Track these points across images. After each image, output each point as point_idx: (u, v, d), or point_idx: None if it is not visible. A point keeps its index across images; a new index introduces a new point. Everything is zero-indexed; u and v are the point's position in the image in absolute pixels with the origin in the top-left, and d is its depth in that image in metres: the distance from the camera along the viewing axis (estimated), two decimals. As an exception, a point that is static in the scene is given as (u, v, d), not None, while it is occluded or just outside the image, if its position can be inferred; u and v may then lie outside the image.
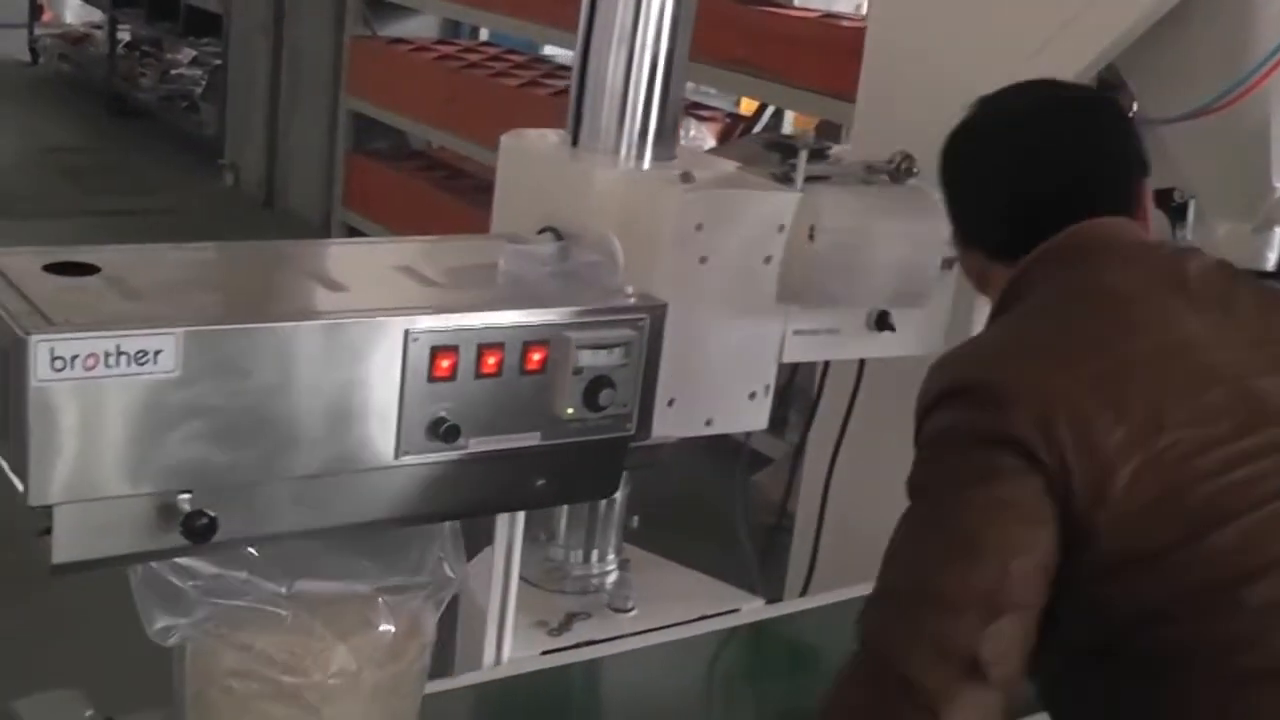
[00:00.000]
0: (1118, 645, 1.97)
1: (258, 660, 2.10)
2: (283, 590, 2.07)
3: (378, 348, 2.02)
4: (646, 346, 2.24)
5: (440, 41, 9.56)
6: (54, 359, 1.81)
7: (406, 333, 2.03)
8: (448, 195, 8.69)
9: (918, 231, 2.87)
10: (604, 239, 2.37)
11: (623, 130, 2.80)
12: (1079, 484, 1.91)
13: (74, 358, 1.82)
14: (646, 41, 2.78)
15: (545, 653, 2.94)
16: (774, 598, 3.44)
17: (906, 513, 2.05)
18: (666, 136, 2.87)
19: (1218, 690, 1.90)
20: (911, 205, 2.90)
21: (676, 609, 3.14)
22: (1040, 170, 2.27)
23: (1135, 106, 3.33)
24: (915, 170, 2.95)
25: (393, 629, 2.16)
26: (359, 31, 9.51)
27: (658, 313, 2.26)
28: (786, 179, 2.79)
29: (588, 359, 2.16)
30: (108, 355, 1.83)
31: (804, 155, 2.78)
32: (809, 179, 2.79)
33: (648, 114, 2.80)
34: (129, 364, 1.85)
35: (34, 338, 1.80)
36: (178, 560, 2.02)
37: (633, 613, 3.12)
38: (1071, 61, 3.13)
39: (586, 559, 3.15)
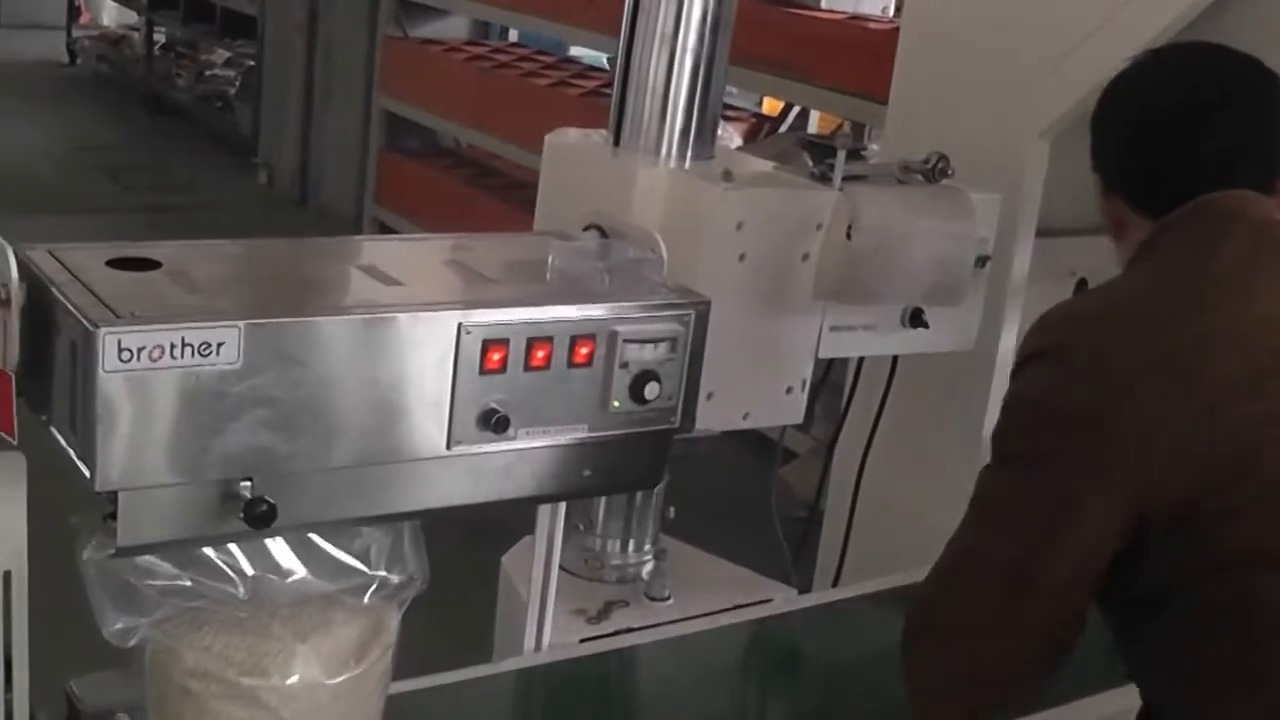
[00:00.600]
0: (1190, 592, 2.02)
1: (216, 661, 2.08)
2: (241, 591, 2.05)
3: (432, 340, 2.04)
4: (691, 341, 2.26)
5: (470, 42, 9.60)
6: (121, 350, 1.83)
7: (460, 326, 2.04)
8: (478, 192, 8.72)
9: (953, 230, 2.89)
10: (648, 236, 2.39)
11: (664, 130, 2.82)
12: (1156, 452, 1.96)
13: (140, 349, 1.84)
14: (688, 43, 2.80)
15: (584, 640, 2.97)
16: (803, 589, 3.46)
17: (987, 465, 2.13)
18: (706, 136, 2.89)
19: None
20: (947, 204, 2.92)
21: (711, 598, 3.17)
22: (1208, 131, 2.25)
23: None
24: (950, 170, 2.97)
25: (354, 630, 2.14)
26: (391, 32, 9.56)
27: (702, 308, 2.27)
28: (824, 178, 2.81)
29: (634, 353, 2.18)
30: (172, 347, 1.86)
31: (842, 155, 2.80)
32: (846, 178, 2.81)
33: (688, 114, 2.83)
34: (192, 355, 1.87)
35: (102, 330, 1.82)
36: (135, 561, 2.00)
37: (669, 601, 3.14)
38: (1105, 63, 3.14)
39: (624, 549, 3.18)
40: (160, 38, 14.54)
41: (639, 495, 3.12)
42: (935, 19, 3.55)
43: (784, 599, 3.23)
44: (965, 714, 2.13)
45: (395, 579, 2.17)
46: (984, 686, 2.07)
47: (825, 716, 2.90)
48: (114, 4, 16.39)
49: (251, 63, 12.04)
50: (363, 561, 2.15)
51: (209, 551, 2.04)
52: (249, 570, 2.05)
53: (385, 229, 9.30)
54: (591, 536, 3.18)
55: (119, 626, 2.04)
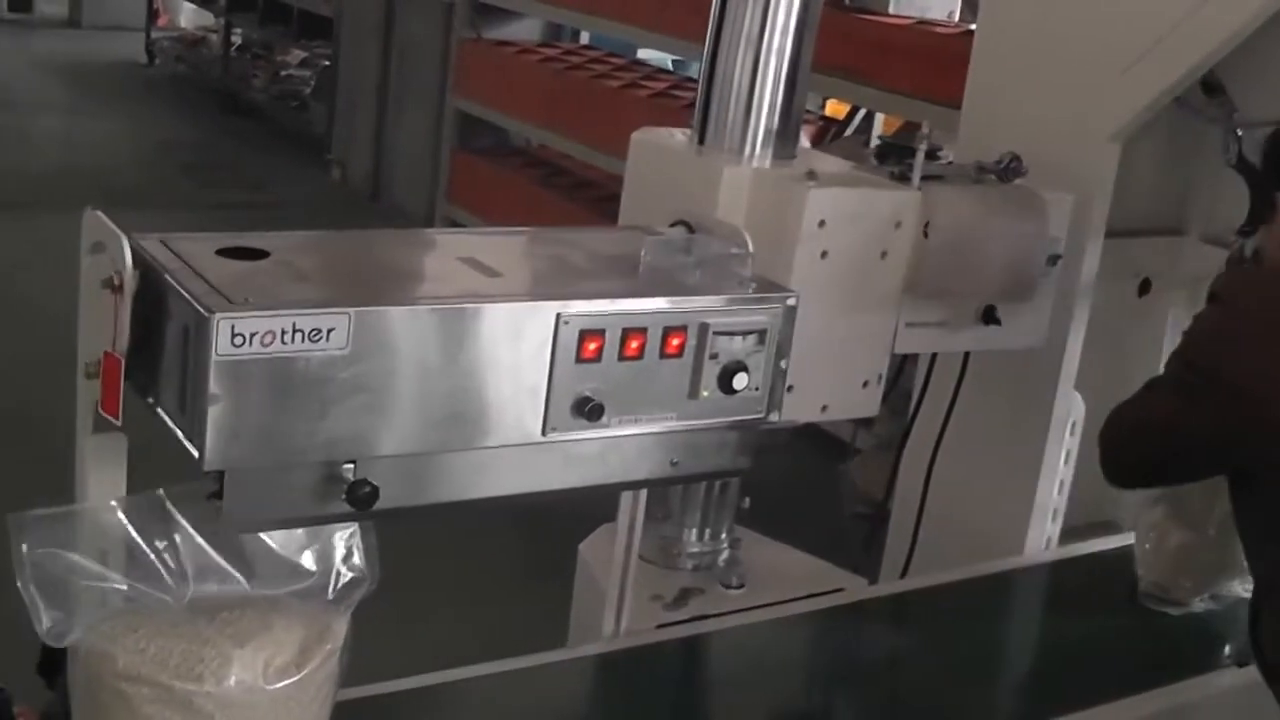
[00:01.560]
0: None
1: (150, 664, 1.97)
2: (178, 594, 1.98)
3: (532, 330, 2.06)
4: (778, 334, 2.27)
5: (543, 44, 9.62)
6: (234, 336, 1.86)
7: (558, 316, 2.06)
8: (548, 191, 8.76)
9: (1026, 230, 2.91)
10: (734, 232, 2.40)
11: (748, 129, 2.84)
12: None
13: (252, 335, 1.87)
14: (773, 45, 2.82)
15: (661, 626, 2.98)
16: (871, 581, 3.47)
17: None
18: (789, 136, 2.91)
19: None
20: (1020, 204, 2.93)
21: (784, 587, 3.18)
22: None
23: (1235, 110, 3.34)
24: (1023, 171, 2.97)
25: (296, 635, 2.04)
26: (466, 34, 9.60)
27: (789, 302, 2.29)
28: (904, 178, 2.82)
29: (724, 345, 2.20)
30: (283, 333, 1.88)
31: (921, 154, 2.81)
32: (924, 178, 2.82)
33: (772, 114, 2.85)
34: (302, 341, 1.90)
35: (217, 316, 1.85)
36: (71, 559, 1.96)
37: (743, 589, 3.16)
38: (1175, 67, 3.14)
39: (700, 537, 3.20)
40: (237, 39, 14.67)
41: (715, 485, 3.14)
42: (1009, 23, 3.54)
43: (855, 589, 3.24)
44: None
45: (344, 579, 2.09)
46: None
47: (895, 704, 2.91)
48: (191, 6, 16.53)
49: (326, 63, 12.13)
50: (312, 562, 2.07)
51: (148, 551, 1.98)
52: (189, 572, 1.99)
53: (456, 227, 9.34)
54: (669, 525, 3.20)
55: (51, 626, 1.96)
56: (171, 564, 1.99)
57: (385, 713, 2.57)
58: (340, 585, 2.08)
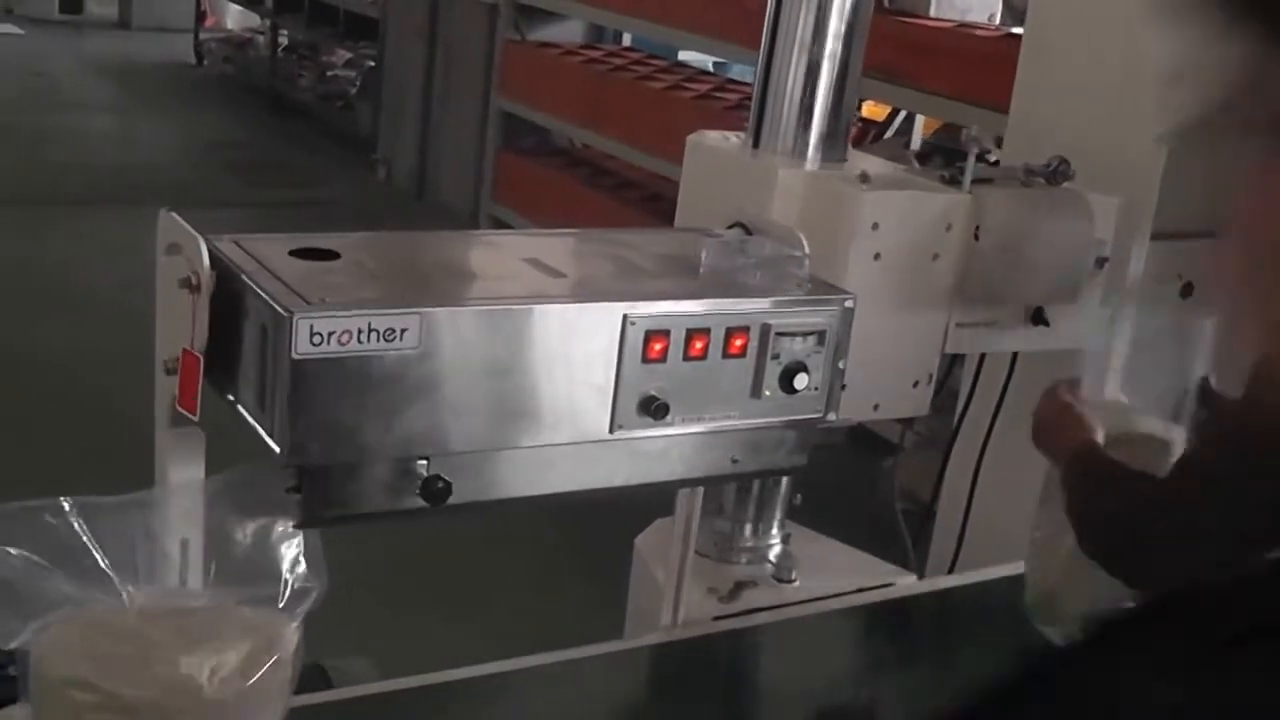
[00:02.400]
0: None
1: (98, 670, 1.87)
2: (126, 598, 1.92)
3: (599, 330, 2.09)
4: (836, 335, 2.29)
5: (586, 46, 9.66)
6: (313, 335, 1.89)
7: (625, 317, 2.09)
8: (593, 191, 8.79)
9: (1075, 231, 2.92)
10: (791, 234, 2.42)
11: (801, 133, 2.86)
12: None
13: (330, 334, 1.90)
14: (825, 50, 2.85)
15: (716, 618, 3.00)
16: (920, 577, 3.48)
17: None
18: (839, 139, 2.93)
19: None
20: (1069, 207, 2.94)
21: (835, 581, 3.19)
22: None
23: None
24: (1071, 173, 2.99)
25: (245, 643, 1.95)
26: (509, 35, 9.64)
27: (847, 303, 2.31)
28: (954, 180, 2.84)
29: (785, 345, 2.22)
30: (360, 332, 1.92)
31: (972, 158, 2.83)
32: (974, 180, 2.84)
33: (825, 118, 2.87)
34: (377, 340, 1.93)
35: (296, 315, 1.88)
36: (21, 560, 1.87)
37: (795, 583, 3.17)
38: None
39: (754, 532, 3.22)
40: (284, 40, 14.73)
41: (769, 481, 3.16)
42: (1057, 26, 3.56)
43: (905, 584, 3.25)
44: None
45: (291, 590, 2.00)
46: None
47: (943, 697, 2.92)
48: (238, 7, 16.61)
49: (372, 63, 12.17)
50: (257, 571, 1.99)
51: (97, 555, 1.91)
52: (140, 575, 1.94)
53: (501, 226, 9.38)
54: (723, 520, 3.22)
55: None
56: (123, 565, 1.93)
57: (443, 702, 2.60)
58: (290, 594, 1.99)
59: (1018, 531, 3.48)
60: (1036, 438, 2.59)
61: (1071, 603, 2.69)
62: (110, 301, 7.55)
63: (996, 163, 3.29)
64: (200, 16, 16.79)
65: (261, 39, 15.35)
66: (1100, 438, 2.46)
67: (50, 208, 9.81)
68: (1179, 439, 2.56)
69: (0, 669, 2.25)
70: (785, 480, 3.18)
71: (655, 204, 7.99)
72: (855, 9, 2.85)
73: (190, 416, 2.14)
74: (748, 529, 3.22)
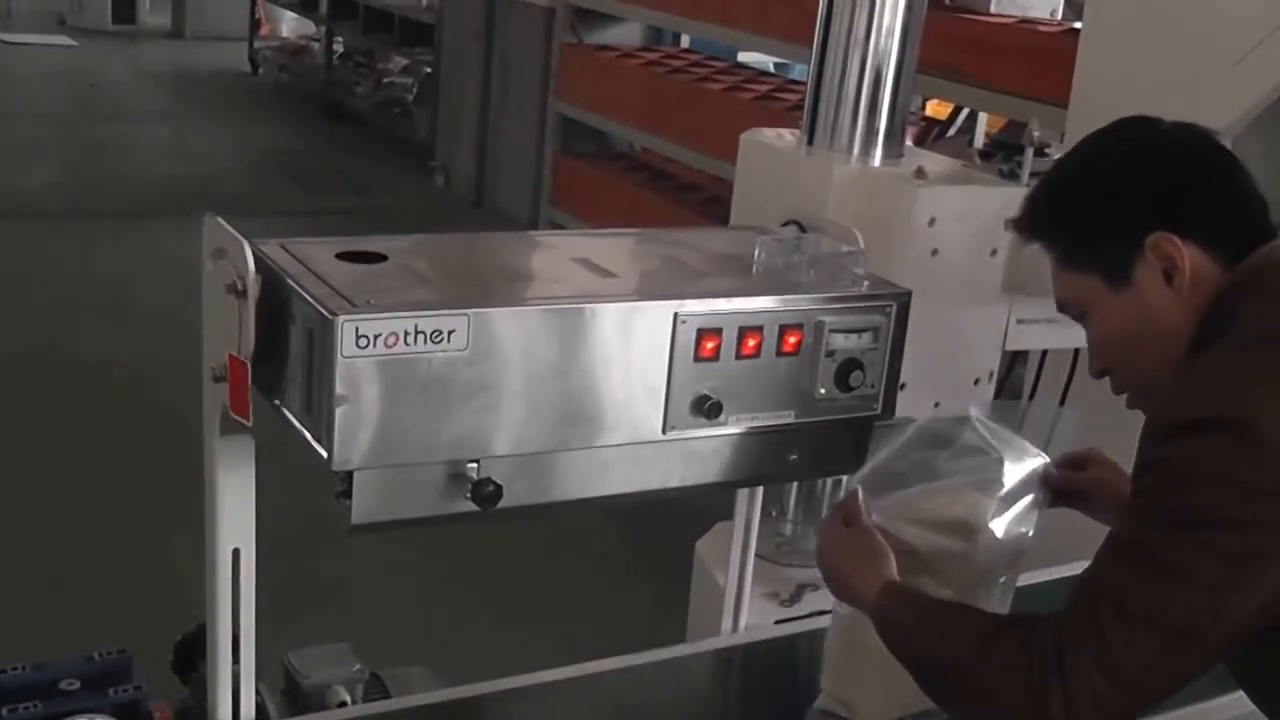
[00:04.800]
0: None
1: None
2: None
3: (650, 329, 2.09)
4: (893, 331, 2.29)
5: (644, 48, 9.66)
6: (359, 337, 1.90)
7: (676, 315, 2.09)
8: (652, 194, 8.78)
9: (1137, 226, 2.89)
10: (846, 231, 2.42)
11: (856, 130, 2.86)
12: None
13: (376, 336, 1.91)
14: (879, 47, 2.84)
15: (778, 622, 3.00)
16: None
17: (1141, 531, 1.95)
18: (896, 136, 2.92)
19: None
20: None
21: (897, 582, 3.18)
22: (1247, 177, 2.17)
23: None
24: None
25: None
26: (567, 39, 9.66)
27: (903, 300, 2.30)
28: (1012, 175, 2.83)
29: (839, 342, 2.22)
30: (406, 334, 1.92)
31: (1030, 152, 2.82)
32: (1031, 175, 2.83)
33: (879, 114, 2.87)
34: (425, 343, 1.94)
35: (341, 318, 1.89)
36: None
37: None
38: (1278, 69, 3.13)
39: (816, 534, 3.21)
40: (339, 47, 14.81)
41: (828, 482, 3.15)
42: (1116, 19, 3.54)
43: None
44: None
45: None
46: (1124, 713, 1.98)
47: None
48: (293, 15, 16.71)
49: (429, 70, 12.23)
50: None
51: None
52: None
53: (558, 230, 9.41)
54: (783, 522, 3.22)
55: None
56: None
57: (506, 708, 2.62)
58: None
59: (1083, 530, 3.45)
60: (829, 585, 2.33)
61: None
62: (168, 311, 7.61)
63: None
64: (255, 25, 16.92)
65: (316, 46, 15.44)
66: (893, 568, 2.21)
67: (107, 219, 9.91)
68: (988, 513, 2.35)
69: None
70: (845, 480, 3.17)
71: (717, 207, 7.98)
72: (909, 5, 2.85)
73: (243, 422, 2.16)
74: (808, 531, 3.21)
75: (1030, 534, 2.37)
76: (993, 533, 2.29)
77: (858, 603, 2.22)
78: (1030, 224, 2.20)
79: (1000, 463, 2.34)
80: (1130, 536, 1.95)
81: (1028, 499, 2.36)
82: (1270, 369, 1.92)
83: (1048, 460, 2.43)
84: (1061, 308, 2.26)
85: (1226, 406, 1.89)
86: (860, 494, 2.27)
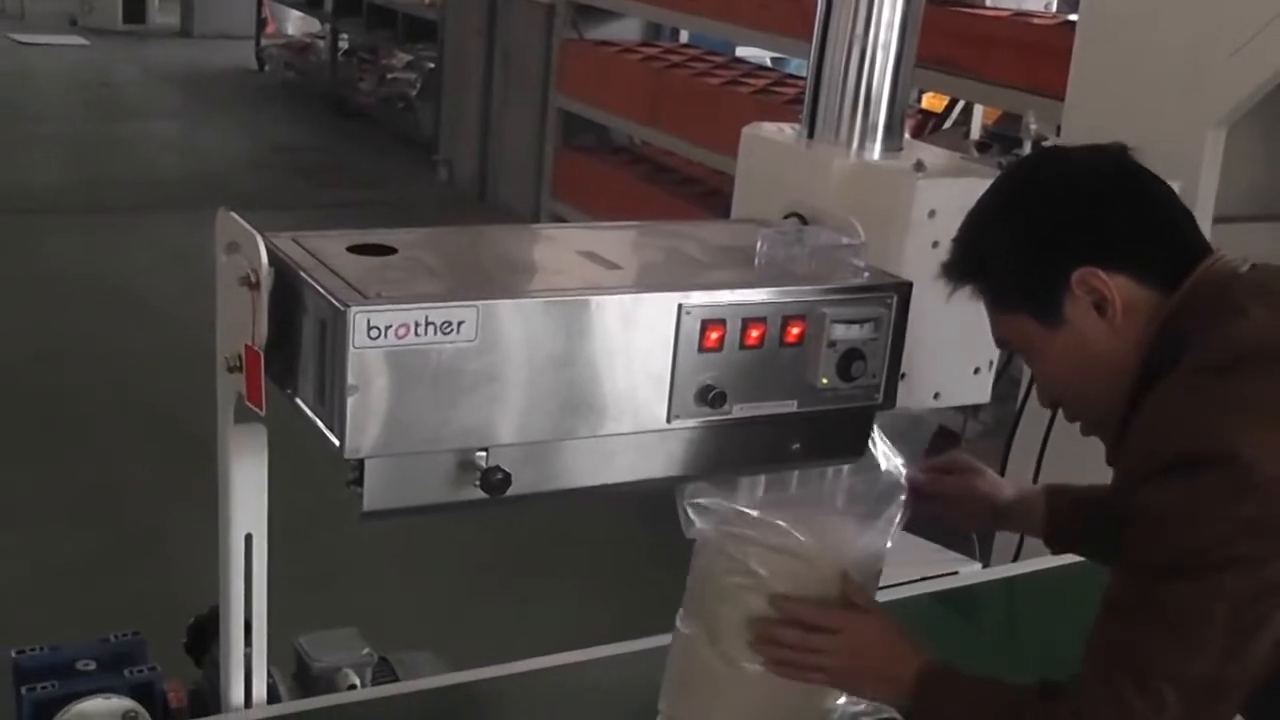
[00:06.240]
0: None
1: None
2: None
3: (655, 320, 2.08)
4: (894, 322, 2.28)
5: (643, 43, 9.67)
6: (370, 328, 1.90)
7: (680, 307, 2.09)
8: (653, 188, 8.79)
9: (1134, 216, 2.89)
10: (847, 223, 2.41)
11: (856, 123, 2.85)
12: None
13: (387, 327, 1.91)
14: (878, 39, 2.83)
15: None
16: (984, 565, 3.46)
17: (1143, 586, 1.89)
18: (895, 129, 2.90)
19: None
20: (1127, 192, 2.91)
21: (900, 570, 3.17)
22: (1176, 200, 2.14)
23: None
24: (1129, 150, 2.96)
25: None
26: (567, 34, 9.66)
27: (904, 291, 2.30)
28: (1010, 167, 2.82)
29: (841, 333, 2.21)
30: (416, 325, 1.92)
31: (1028, 145, 2.81)
32: (1030, 168, 2.82)
33: (879, 107, 2.85)
34: (434, 333, 1.93)
35: (353, 310, 1.89)
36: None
37: (860, 572, 3.16)
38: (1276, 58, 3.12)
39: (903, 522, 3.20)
40: (344, 44, 14.81)
41: (830, 471, 3.14)
42: (1112, 11, 3.53)
43: (970, 572, 3.23)
44: None
45: None
46: None
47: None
48: (299, 14, 16.70)
49: (432, 65, 12.23)
50: None
51: None
52: None
53: (560, 223, 9.41)
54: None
55: None
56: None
57: (513, 693, 2.63)
58: None
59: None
60: (847, 682, 2.25)
61: None
62: (178, 305, 7.62)
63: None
64: (261, 23, 16.90)
65: (322, 44, 15.45)
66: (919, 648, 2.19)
67: (118, 214, 9.91)
68: (835, 534, 2.30)
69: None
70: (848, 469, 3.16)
71: (716, 199, 7.98)
72: (908, -1, 2.84)
73: (257, 411, 2.16)
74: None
75: (888, 545, 2.34)
76: (837, 554, 2.26)
77: (885, 690, 2.18)
78: (957, 270, 2.17)
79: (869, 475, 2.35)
80: (1133, 593, 1.89)
81: (886, 513, 2.33)
82: (1238, 394, 1.88)
83: (907, 467, 2.41)
84: (1001, 345, 2.24)
85: (1208, 440, 1.84)
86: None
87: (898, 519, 2.35)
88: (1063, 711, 1.91)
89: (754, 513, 2.23)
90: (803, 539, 2.22)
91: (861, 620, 2.23)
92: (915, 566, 3.18)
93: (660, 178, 8.98)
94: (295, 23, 17.42)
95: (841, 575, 2.24)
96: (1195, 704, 1.85)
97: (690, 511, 2.25)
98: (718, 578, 2.27)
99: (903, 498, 2.34)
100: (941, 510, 2.52)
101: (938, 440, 5.26)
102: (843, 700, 2.34)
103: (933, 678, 2.12)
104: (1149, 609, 1.86)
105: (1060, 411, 2.25)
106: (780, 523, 2.22)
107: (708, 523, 2.25)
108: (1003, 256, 2.10)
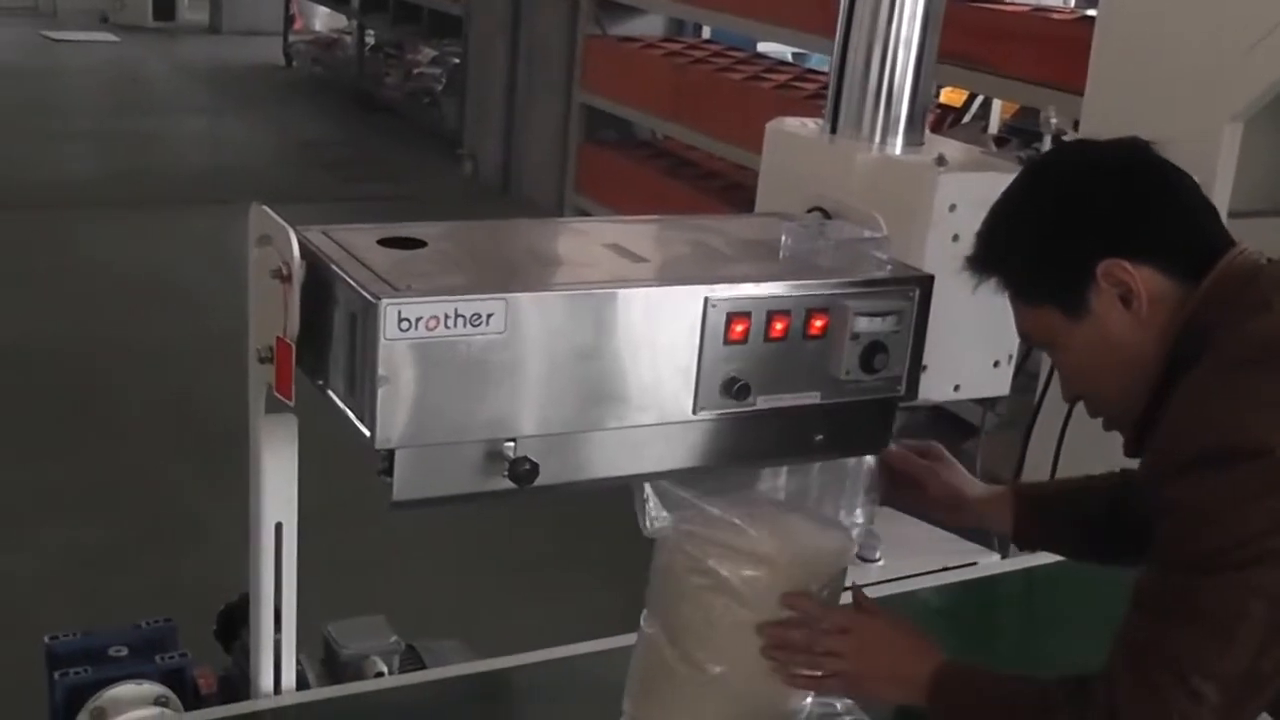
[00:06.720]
0: None
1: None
2: None
3: (681, 313, 2.08)
4: (916, 315, 2.27)
5: (666, 39, 9.68)
6: (400, 320, 1.90)
7: (706, 300, 2.08)
8: (674, 182, 8.79)
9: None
10: (870, 217, 2.41)
11: (879, 117, 2.85)
12: None
13: (418, 319, 1.91)
14: (901, 35, 2.83)
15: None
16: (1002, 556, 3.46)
17: (1176, 582, 1.88)
18: (917, 124, 2.91)
19: None
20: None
21: (919, 560, 3.18)
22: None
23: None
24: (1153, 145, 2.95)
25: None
26: (591, 30, 9.68)
27: (925, 284, 2.29)
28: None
29: (864, 325, 2.20)
30: (446, 317, 1.92)
31: (1048, 139, 2.81)
32: (1050, 162, 2.81)
33: (901, 102, 2.86)
34: (464, 325, 1.93)
35: (384, 302, 1.89)
36: None
37: (880, 563, 3.16)
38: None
39: (837, 512, 3.20)
40: (370, 39, 14.82)
41: (851, 462, 3.14)
42: (1131, 7, 3.52)
43: (988, 563, 3.23)
44: None
45: None
46: None
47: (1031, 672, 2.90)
48: (326, 10, 16.71)
49: (457, 61, 12.24)
50: None
51: None
52: None
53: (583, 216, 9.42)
54: (807, 500, 3.21)
55: None
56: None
57: (539, 681, 2.63)
58: None
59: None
60: (862, 684, 2.23)
61: None
62: (208, 295, 7.64)
63: (1074, 143, 3.26)
64: (289, 20, 16.91)
65: (348, 39, 15.45)
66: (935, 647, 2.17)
67: (148, 207, 9.93)
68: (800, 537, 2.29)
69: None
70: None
71: (737, 193, 7.98)
72: (930, -8, 2.84)
73: (286, 402, 2.17)
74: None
75: (854, 545, 2.36)
76: (797, 553, 2.24)
77: (900, 691, 2.16)
78: (981, 262, 2.15)
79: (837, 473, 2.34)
80: (1167, 589, 1.88)
81: (851, 511, 2.35)
82: (1271, 388, 1.86)
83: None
84: (1025, 339, 2.23)
85: (1241, 434, 1.83)
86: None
87: (863, 518, 2.37)
88: (1097, 711, 1.89)
89: (715, 510, 2.20)
90: (760, 536, 2.20)
91: (871, 619, 2.23)
92: (934, 557, 3.18)
93: (682, 172, 8.98)
94: (323, 19, 17.42)
95: (824, 576, 2.26)
96: (1232, 699, 1.84)
97: (649, 508, 2.22)
98: (678, 576, 2.25)
99: (870, 494, 2.36)
100: (911, 499, 2.50)
101: (957, 432, 5.26)
102: (809, 700, 2.32)
103: (949, 676, 2.11)
104: (1184, 605, 1.85)
105: (1079, 404, 2.24)
106: (737, 521, 2.20)
107: (667, 520, 2.22)
108: (1028, 249, 2.09)
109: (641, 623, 2.34)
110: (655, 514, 2.21)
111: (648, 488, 2.21)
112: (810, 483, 2.35)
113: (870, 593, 2.95)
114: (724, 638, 2.22)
